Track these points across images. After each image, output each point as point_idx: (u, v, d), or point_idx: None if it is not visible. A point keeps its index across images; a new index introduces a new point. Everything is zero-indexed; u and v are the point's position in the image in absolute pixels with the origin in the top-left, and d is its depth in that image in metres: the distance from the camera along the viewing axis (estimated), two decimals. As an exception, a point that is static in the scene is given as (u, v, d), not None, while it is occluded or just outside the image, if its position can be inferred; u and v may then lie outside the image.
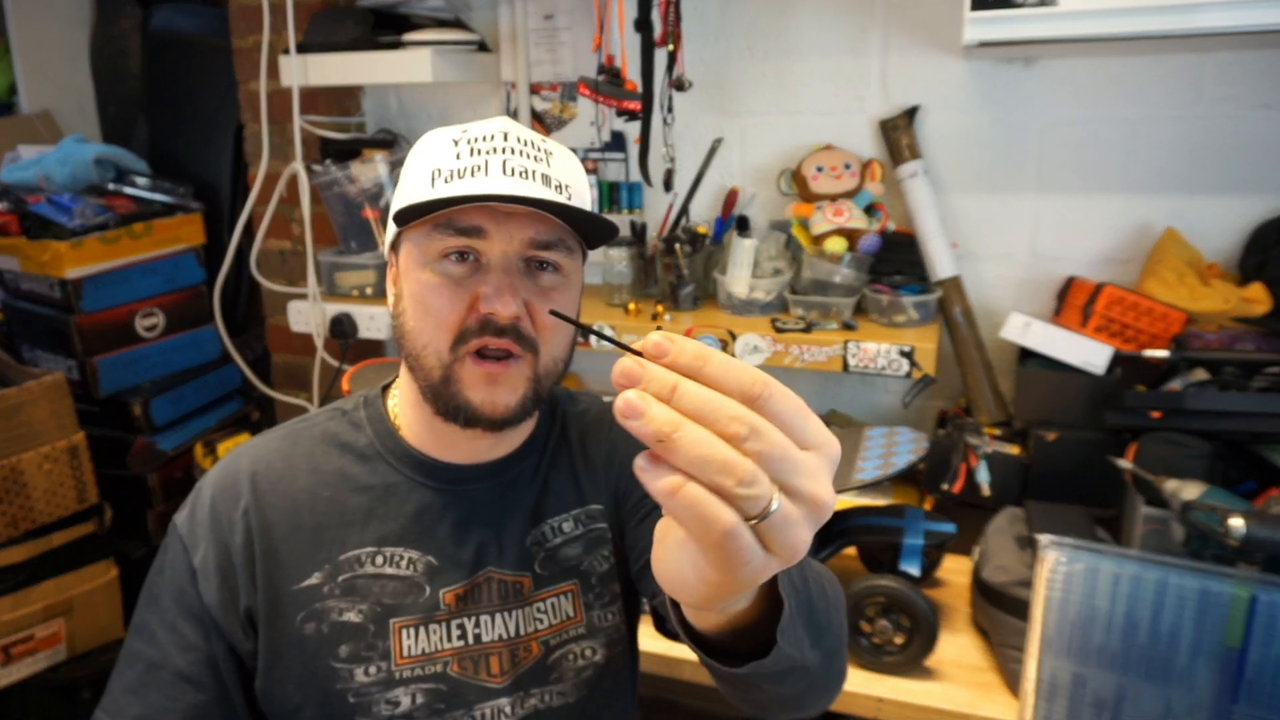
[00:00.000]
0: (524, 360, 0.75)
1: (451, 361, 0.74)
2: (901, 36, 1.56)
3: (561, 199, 0.74)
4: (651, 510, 0.84)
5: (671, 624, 0.76)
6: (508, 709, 0.81)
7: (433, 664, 0.79)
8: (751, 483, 0.37)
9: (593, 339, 0.74)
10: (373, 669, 0.78)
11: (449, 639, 0.80)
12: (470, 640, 0.81)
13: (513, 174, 0.73)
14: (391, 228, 0.80)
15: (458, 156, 0.74)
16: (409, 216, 0.74)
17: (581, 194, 0.79)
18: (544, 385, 0.78)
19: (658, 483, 0.38)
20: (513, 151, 0.74)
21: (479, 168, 0.73)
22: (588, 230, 0.77)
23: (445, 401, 0.76)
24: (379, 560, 0.80)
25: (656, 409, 0.38)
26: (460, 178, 0.73)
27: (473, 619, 0.81)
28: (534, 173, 0.74)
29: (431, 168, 0.75)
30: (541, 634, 0.83)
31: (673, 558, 0.44)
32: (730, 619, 0.52)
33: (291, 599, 0.78)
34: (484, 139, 0.75)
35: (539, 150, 0.76)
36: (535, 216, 0.74)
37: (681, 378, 0.38)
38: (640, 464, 0.39)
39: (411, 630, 0.79)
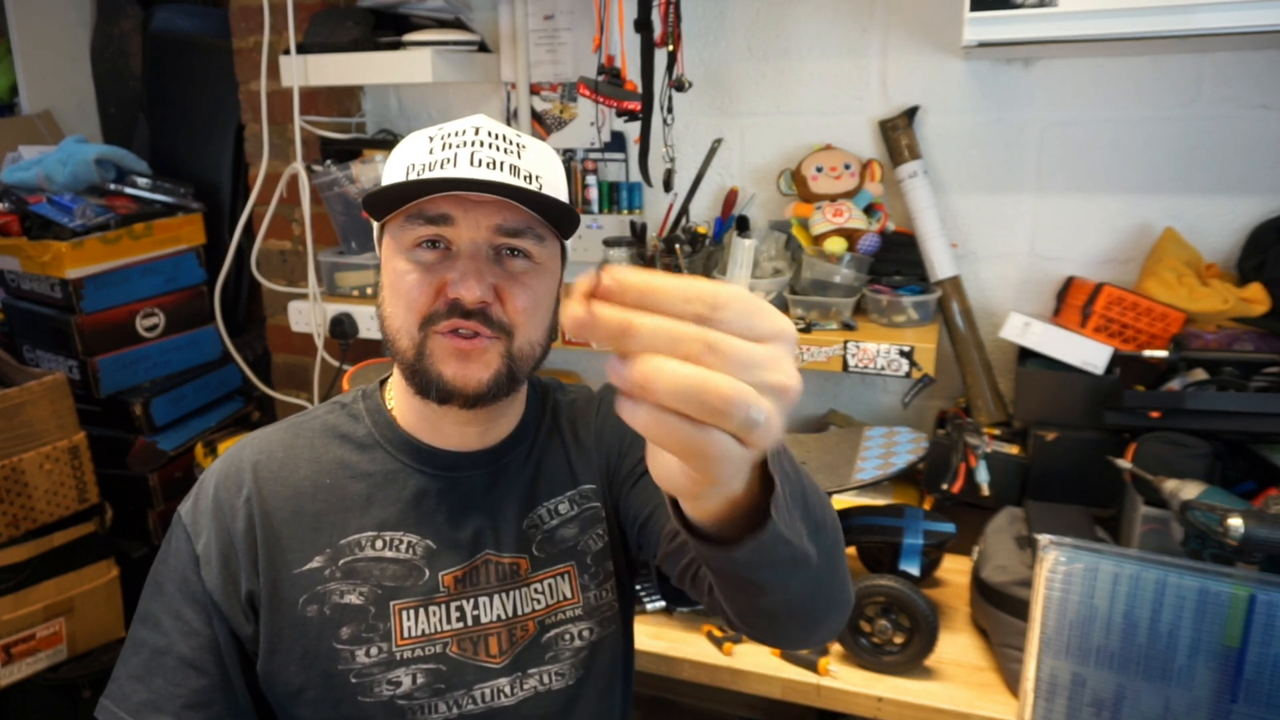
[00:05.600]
0: (497, 341, 0.78)
1: (422, 339, 0.77)
2: (901, 37, 1.56)
3: (530, 189, 0.76)
4: (642, 474, 0.86)
5: (673, 580, 0.77)
6: (507, 689, 0.82)
7: (433, 645, 0.81)
8: (741, 402, 0.38)
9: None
10: (374, 650, 0.79)
11: (448, 620, 0.82)
12: (469, 621, 0.82)
13: (480, 165, 0.76)
14: (375, 224, 0.83)
15: (430, 151, 0.78)
16: (378, 204, 0.77)
17: (554, 186, 0.81)
18: (521, 366, 0.80)
19: (636, 420, 0.40)
20: (482, 144, 0.78)
21: (449, 160, 0.77)
22: (559, 219, 0.79)
23: (420, 378, 0.78)
24: (379, 544, 0.82)
25: (631, 368, 0.39)
26: (430, 170, 0.77)
27: (471, 600, 0.83)
28: (502, 164, 0.77)
29: (407, 163, 0.79)
30: (538, 614, 0.85)
31: (662, 459, 0.46)
32: (729, 504, 0.52)
33: (293, 582, 0.80)
34: (456, 134, 0.79)
35: (510, 144, 0.79)
36: (502, 205, 0.76)
37: (632, 317, 0.39)
38: (620, 405, 0.40)
39: (411, 612, 0.81)
